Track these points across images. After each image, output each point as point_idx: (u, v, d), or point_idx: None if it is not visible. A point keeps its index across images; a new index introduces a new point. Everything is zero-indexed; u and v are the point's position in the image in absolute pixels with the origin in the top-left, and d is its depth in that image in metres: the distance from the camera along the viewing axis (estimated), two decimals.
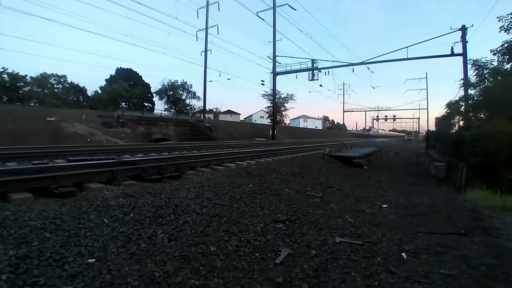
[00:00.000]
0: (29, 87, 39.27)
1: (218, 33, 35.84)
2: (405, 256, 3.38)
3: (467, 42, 22.02)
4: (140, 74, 48.44)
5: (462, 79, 18.42)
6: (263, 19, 32.96)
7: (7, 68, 35.70)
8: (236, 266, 2.89)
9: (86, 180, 4.87)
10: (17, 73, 36.67)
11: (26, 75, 38.09)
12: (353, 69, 32.50)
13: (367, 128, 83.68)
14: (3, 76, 35.37)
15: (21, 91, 37.46)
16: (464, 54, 21.66)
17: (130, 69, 47.48)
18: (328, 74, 32.43)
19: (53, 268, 2.39)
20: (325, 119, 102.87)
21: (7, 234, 2.79)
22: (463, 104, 16.11)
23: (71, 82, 45.53)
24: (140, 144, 17.26)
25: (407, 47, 24.42)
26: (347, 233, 4.10)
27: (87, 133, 18.31)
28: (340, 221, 4.65)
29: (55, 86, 44.56)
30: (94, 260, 2.58)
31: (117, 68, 47.29)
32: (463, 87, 17.16)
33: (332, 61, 40.84)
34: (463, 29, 22.06)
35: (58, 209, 3.52)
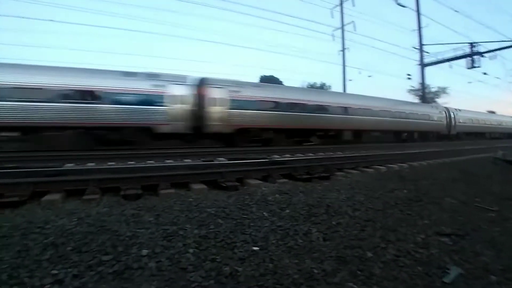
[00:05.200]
0: None
1: (355, 30, 34.09)
2: None
3: None
4: (280, 80, 51.31)
5: None
6: (405, 6, 29.49)
7: None
8: (396, 276, 2.54)
9: (245, 177, 5.45)
10: None
11: None
12: None
13: None
14: None
15: None
16: None
17: (272, 75, 50.92)
18: (495, 58, 25.96)
19: (226, 249, 2.70)
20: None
21: (192, 216, 3.41)
22: None
23: None
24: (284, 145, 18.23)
25: None
26: None
27: None
28: None
29: None
30: (257, 248, 2.77)
31: (261, 76, 51.65)
32: None
33: (500, 41, 31.45)
34: None
35: (226, 200, 4.07)
